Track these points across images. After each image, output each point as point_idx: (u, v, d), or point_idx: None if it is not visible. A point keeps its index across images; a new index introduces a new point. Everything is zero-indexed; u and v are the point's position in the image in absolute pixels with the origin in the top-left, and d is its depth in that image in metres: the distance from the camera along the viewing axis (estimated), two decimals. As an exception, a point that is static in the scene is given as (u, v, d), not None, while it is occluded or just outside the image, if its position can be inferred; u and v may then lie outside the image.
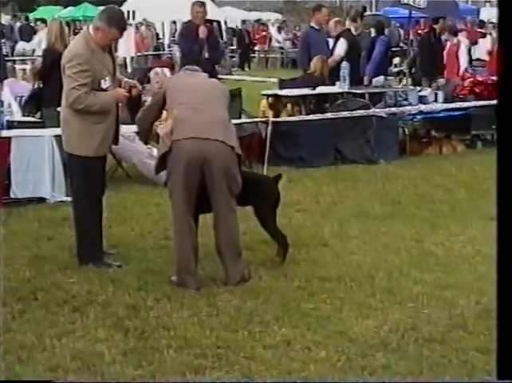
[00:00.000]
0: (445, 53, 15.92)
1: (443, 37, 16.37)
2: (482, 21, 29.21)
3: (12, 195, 8.68)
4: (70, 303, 5.82)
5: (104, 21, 6.59)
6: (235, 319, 5.53)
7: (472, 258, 6.94)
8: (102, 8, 7.14)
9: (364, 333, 5.31)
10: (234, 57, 34.89)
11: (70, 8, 42.59)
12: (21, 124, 9.19)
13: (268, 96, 12.38)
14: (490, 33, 24.22)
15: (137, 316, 5.60)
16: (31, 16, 34.40)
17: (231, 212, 6.29)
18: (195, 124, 6.10)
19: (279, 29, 39.08)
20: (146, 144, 9.16)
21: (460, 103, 12.80)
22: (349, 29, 13.79)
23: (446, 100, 12.89)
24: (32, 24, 29.77)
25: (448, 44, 16.38)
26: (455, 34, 16.28)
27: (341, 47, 12.78)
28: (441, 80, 14.02)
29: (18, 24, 27.55)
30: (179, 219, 6.24)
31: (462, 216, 8.41)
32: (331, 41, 13.31)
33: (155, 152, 9.57)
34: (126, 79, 7.36)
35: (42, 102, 10.46)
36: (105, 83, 6.58)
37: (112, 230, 7.66)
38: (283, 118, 11.40)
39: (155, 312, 5.68)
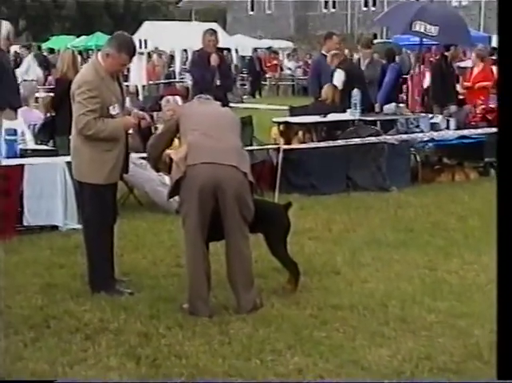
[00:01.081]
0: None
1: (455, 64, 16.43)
2: (494, 48, 29.27)
3: (25, 223, 8.71)
4: (82, 331, 5.81)
5: (113, 48, 6.63)
6: (247, 347, 5.52)
7: (486, 287, 6.89)
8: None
9: (378, 362, 5.29)
10: (245, 84, 35.06)
11: (83, 37, 42.98)
12: (34, 152, 9.21)
13: (279, 123, 12.41)
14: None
15: (149, 344, 5.60)
16: (44, 45, 34.68)
17: (244, 239, 6.29)
18: (209, 150, 6.12)
19: (289, 56, 39.24)
20: (157, 171, 9.19)
21: (472, 130, 12.80)
22: (349, 59, 13.85)
23: (458, 128, 12.89)
24: (45, 53, 29.98)
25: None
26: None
27: (338, 79, 12.73)
28: (453, 107, 14.03)
29: (32, 53, 27.73)
30: (192, 246, 6.23)
31: (476, 244, 8.37)
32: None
33: (166, 179, 9.59)
34: (136, 110, 7.41)
35: (55, 130, 10.51)
36: (114, 110, 6.62)
37: (124, 257, 7.68)
38: (294, 145, 11.42)
39: (167, 340, 5.66)
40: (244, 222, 6.24)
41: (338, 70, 12.82)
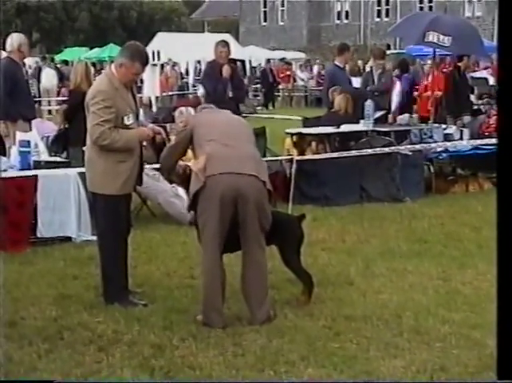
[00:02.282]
0: None
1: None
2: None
3: (38, 235, 8.74)
4: (96, 343, 5.82)
5: (127, 57, 6.66)
6: (261, 359, 5.52)
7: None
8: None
9: (392, 373, 5.27)
10: (258, 95, 35.10)
11: (96, 49, 43.17)
12: (48, 164, 9.27)
13: (292, 134, 12.42)
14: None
15: (163, 355, 5.60)
16: (57, 57, 34.87)
17: (261, 249, 6.31)
18: (228, 160, 6.13)
19: (302, 67, 39.26)
20: (170, 182, 9.23)
21: (486, 140, 12.76)
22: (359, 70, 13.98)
23: (471, 138, 12.87)
24: (58, 65, 30.12)
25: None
26: None
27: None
28: (466, 118, 14.02)
29: (45, 65, 27.91)
30: (210, 256, 6.23)
31: (490, 255, 8.28)
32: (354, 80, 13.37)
33: (179, 191, 9.63)
34: (151, 125, 7.43)
35: (68, 142, 10.56)
36: (128, 120, 6.64)
37: (137, 269, 7.69)
38: (308, 156, 11.43)
39: (181, 351, 5.67)
40: (262, 232, 6.26)
41: (355, 79, 12.88)
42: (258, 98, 34.22)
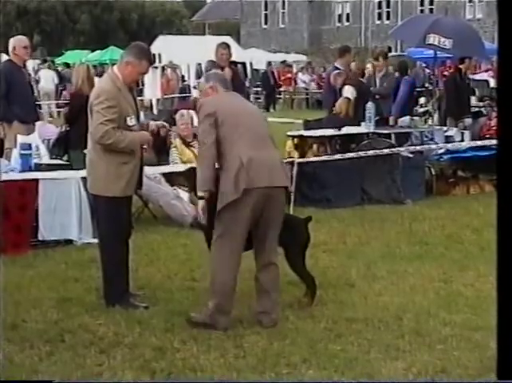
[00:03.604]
0: None
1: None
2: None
3: (40, 237, 8.74)
4: (97, 345, 5.82)
5: (133, 56, 6.68)
6: (262, 361, 5.52)
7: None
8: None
9: (393, 375, 5.27)
10: (259, 98, 35.10)
11: (97, 52, 43.18)
12: (49, 167, 9.28)
13: (293, 137, 12.44)
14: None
15: (164, 358, 5.60)
16: (58, 60, 34.90)
17: (276, 252, 6.42)
18: (263, 170, 6.06)
19: (303, 70, 39.25)
20: (171, 185, 9.23)
21: (487, 142, 12.76)
22: (356, 74, 13.90)
23: (473, 140, 12.85)
24: (59, 68, 30.17)
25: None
26: None
27: (348, 91, 12.72)
28: (467, 120, 14.00)
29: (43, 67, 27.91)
30: (233, 262, 6.19)
31: (492, 257, 8.29)
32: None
33: (181, 193, 9.63)
34: (152, 122, 7.44)
35: (69, 145, 10.55)
36: (131, 121, 6.66)
37: (138, 271, 7.70)
38: (309, 159, 11.43)
39: (182, 354, 5.67)
40: (277, 235, 6.35)
41: (347, 86, 12.85)
42: (260, 101, 34.20)
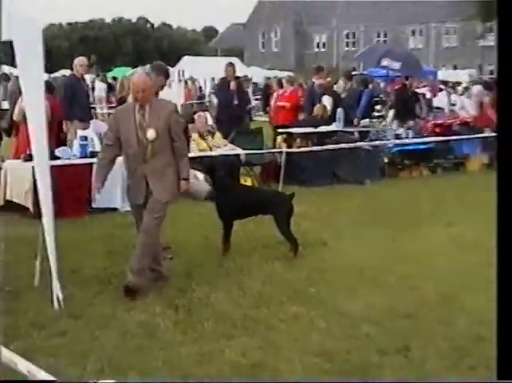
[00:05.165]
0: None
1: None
2: (440, 80, 29.29)
3: (93, 206, 8.68)
4: (135, 286, 5.78)
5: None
6: (258, 299, 5.51)
7: (433, 254, 6.87)
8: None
9: (354, 310, 5.26)
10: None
11: (138, 68, 42.80)
12: (101, 154, 9.21)
13: (282, 133, 12.37)
14: (445, 89, 24.26)
15: (184, 296, 5.58)
16: (108, 75, 34.56)
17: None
18: None
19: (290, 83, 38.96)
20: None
21: (425, 138, 12.80)
22: (332, 87, 13.83)
23: (414, 137, 12.87)
24: (109, 81, 29.84)
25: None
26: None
27: (327, 101, 12.70)
28: (411, 123, 13.91)
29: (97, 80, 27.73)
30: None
31: (426, 222, 8.34)
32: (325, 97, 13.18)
33: (197, 174, 9.55)
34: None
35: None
36: None
37: (165, 232, 7.64)
38: (294, 149, 11.38)
39: (198, 294, 5.65)
40: None
41: (326, 96, 12.79)
42: (259, 106, 33.91)
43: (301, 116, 13.33)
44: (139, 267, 5.55)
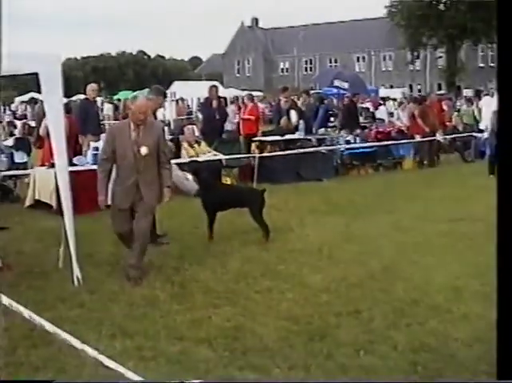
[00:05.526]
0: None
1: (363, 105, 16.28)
2: (380, 96, 29.59)
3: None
4: (139, 267, 5.72)
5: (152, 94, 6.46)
6: (237, 275, 5.49)
7: (378, 235, 6.91)
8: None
9: (315, 282, 5.27)
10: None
11: (137, 91, 42.35)
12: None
13: (256, 141, 12.36)
14: (384, 103, 24.42)
15: (179, 274, 5.56)
16: (114, 97, 34.22)
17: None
18: None
19: (261, 101, 38.91)
20: (182, 170, 9.04)
21: (370, 143, 12.86)
22: (295, 103, 13.82)
23: (361, 142, 12.93)
24: (115, 102, 29.56)
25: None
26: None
27: (293, 115, 12.66)
28: (358, 131, 13.99)
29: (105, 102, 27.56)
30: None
31: (372, 211, 8.40)
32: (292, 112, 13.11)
33: (188, 175, 9.49)
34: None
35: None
36: None
37: (162, 223, 7.60)
38: (265, 154, 11.37)
39: (190, 272, 5.63)
40: None
41: (292, 111, 12.77)
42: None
43: (270, 127, 13.32)
44: (139, 264, 5.46)
